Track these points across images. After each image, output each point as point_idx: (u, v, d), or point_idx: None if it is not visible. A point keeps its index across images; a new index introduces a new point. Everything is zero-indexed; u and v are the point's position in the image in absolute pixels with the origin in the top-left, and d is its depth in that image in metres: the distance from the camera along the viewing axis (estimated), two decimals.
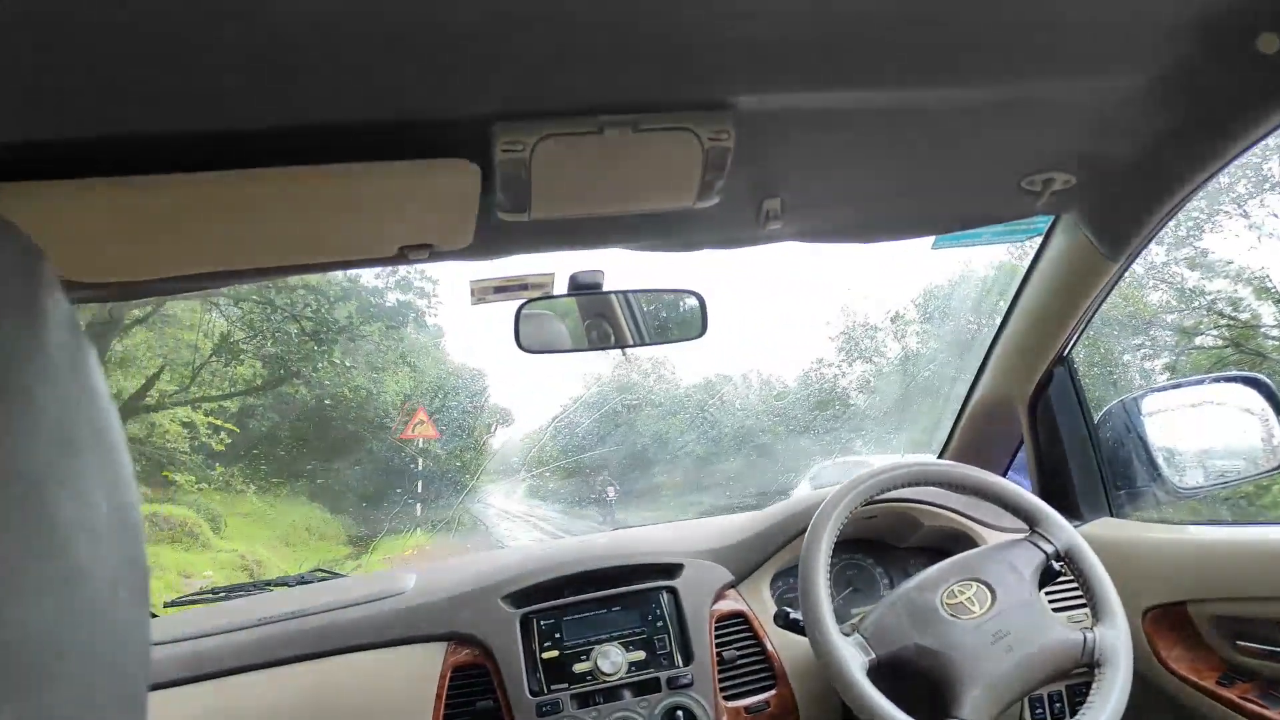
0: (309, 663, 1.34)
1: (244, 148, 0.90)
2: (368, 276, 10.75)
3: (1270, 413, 1.53)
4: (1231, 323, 7.91)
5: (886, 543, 1.61)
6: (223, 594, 1.65)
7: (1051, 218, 1.42)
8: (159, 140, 0.86)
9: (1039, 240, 1.49)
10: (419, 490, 9.93)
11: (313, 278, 9.77)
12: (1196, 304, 8.07)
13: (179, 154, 0.88)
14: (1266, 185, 7.53)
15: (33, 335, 0.29)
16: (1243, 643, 1.25)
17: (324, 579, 1.70)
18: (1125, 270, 1.37)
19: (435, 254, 1.17)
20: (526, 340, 1.33)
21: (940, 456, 1.85)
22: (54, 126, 0.81)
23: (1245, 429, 1.58)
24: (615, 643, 1.33)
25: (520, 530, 10.50)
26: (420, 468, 10.10)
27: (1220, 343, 7.98)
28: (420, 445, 10.17)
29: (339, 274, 10.26)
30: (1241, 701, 1.21)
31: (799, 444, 10.07)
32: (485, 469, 11.41)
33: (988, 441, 1.78)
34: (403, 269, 10.63)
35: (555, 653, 1.32)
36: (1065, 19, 0.92)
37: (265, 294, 9.72)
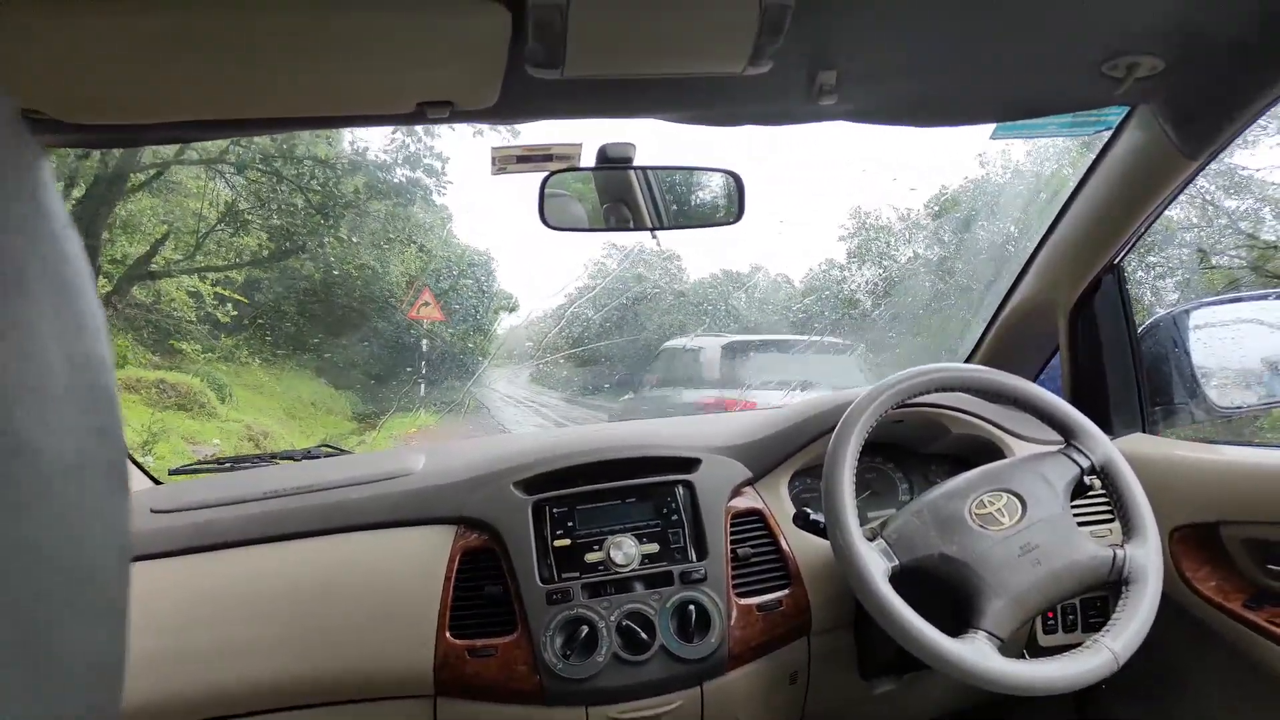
0: (316, 539, 1.31)
1: None
2: (375, 149, 10.47)
3: None
4: (1251, 243, 7.73)
5: (909, 448, 1.57)
6: (228, 464, 1.63)
7: (1126, 109, 1.31)
8: None
9: (1106, 136, 1.38)
10: (425, 371, 9.98)
11: (320, 148, 9.53)
12: (1217, 222, 7.86)
13: None
14: None
15: None
16: (1273, 566, 1.22)
17: (331, 454, 1.67)
18: (1202, 170, 1.27)
19: (456, 113, 1.07)
20: (551, 216, 1.24)
21: (968, 361, 1.79)
22: None
23: None
24: (629, 534, 1.30)
25: (524, 416, 10.57)
26: (426, 349, 10.11)
27: (1238, 263, 7.82)
28: (426, 326, 10.15)
29: (347, 146, 10.03)
30: (1269, 625, 1.19)
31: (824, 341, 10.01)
32: (491, 353, 11.44)
33: (1019, 349, 1.71)
34: (412, 144, 10.35)
35: (567, 541, 1.29)
36: None
37: (271, 164, 9.50)
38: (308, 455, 1.65)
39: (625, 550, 1.28)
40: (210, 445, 7.46)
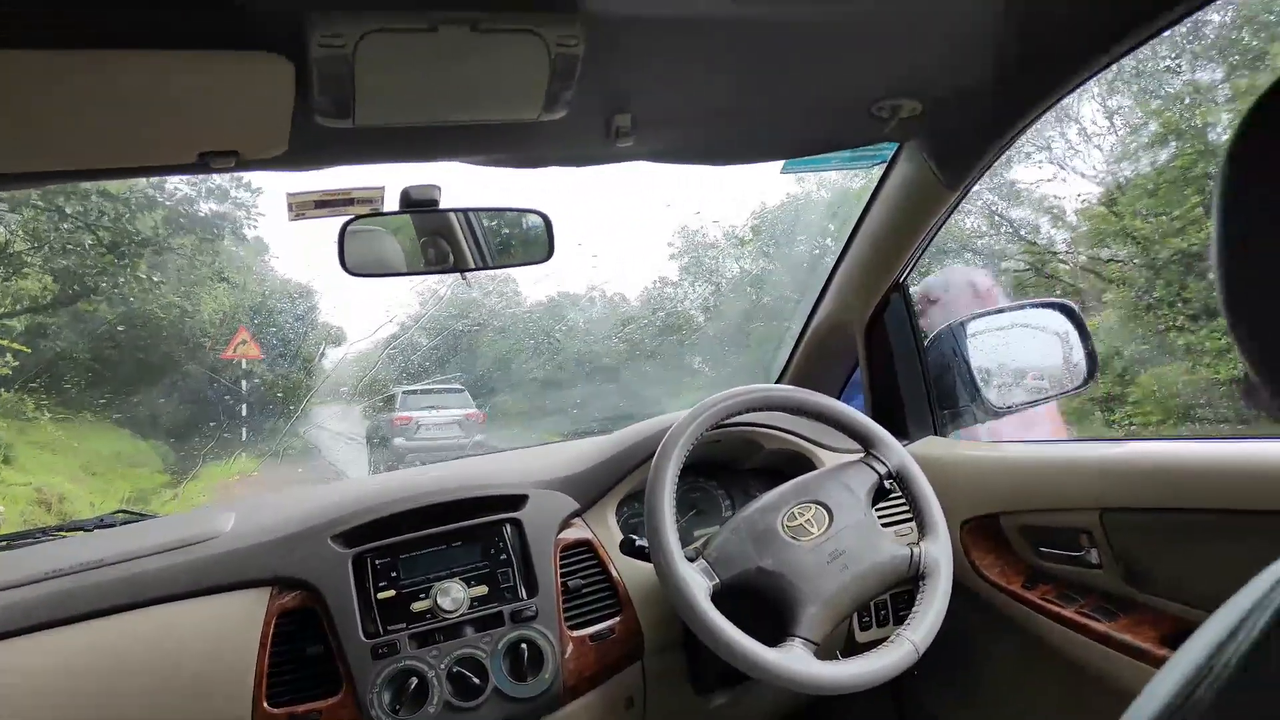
0: (113, 617, 1.20)
1: (17, 23, 0.73)
2: (175, 183, 9.74)
3: (1075, 336, 1.65)
4: (1032, 248, 8.66)
5: (728, 465, 1.64)
6: (3, 544, 1.45)
7: (896, 145, 1.44)
8: None
9: (883, 168, 1.51)
10: (244, 414, 9.34)
11: (111, 184, 8.76)
12: (1003, 230, 8.75)
13: None
14: (1066, 118, 8.16)
15: None
16: (1044, 549, 1.37)
17: (128, 521, 1.53)
18: (961, 200, 1.41)
19: (242, 162, 1.02)
20: (353, 262, 1.20)
21: (778, 381, 1.89)
22: None
23: (1054, 351, 1.70)
24: (456, 579, 1.28)
25: (358, 454, 10.12)
26: (244, 390, 9.48)
27: (1022, 266, 8.73)
28: (244, 366, 9.53)
29: (142, 180, 9.27)
30: (1042, 602, 1.33)
31: (644, 369, 10.23)
32: (316, 391, 10.88)
33: (824, 365, 1.83)
34: (216, 178, 9.71)
35: (391, 592, 1.25)
36: None
37: (52, 200, 8.63)
38: (100, 524, 1.50)
39: (453, 595, 1.25)
40: None
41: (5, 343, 8.43)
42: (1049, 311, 1.72)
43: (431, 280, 10.84)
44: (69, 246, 8.85)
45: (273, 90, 0.90)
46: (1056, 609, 1.30)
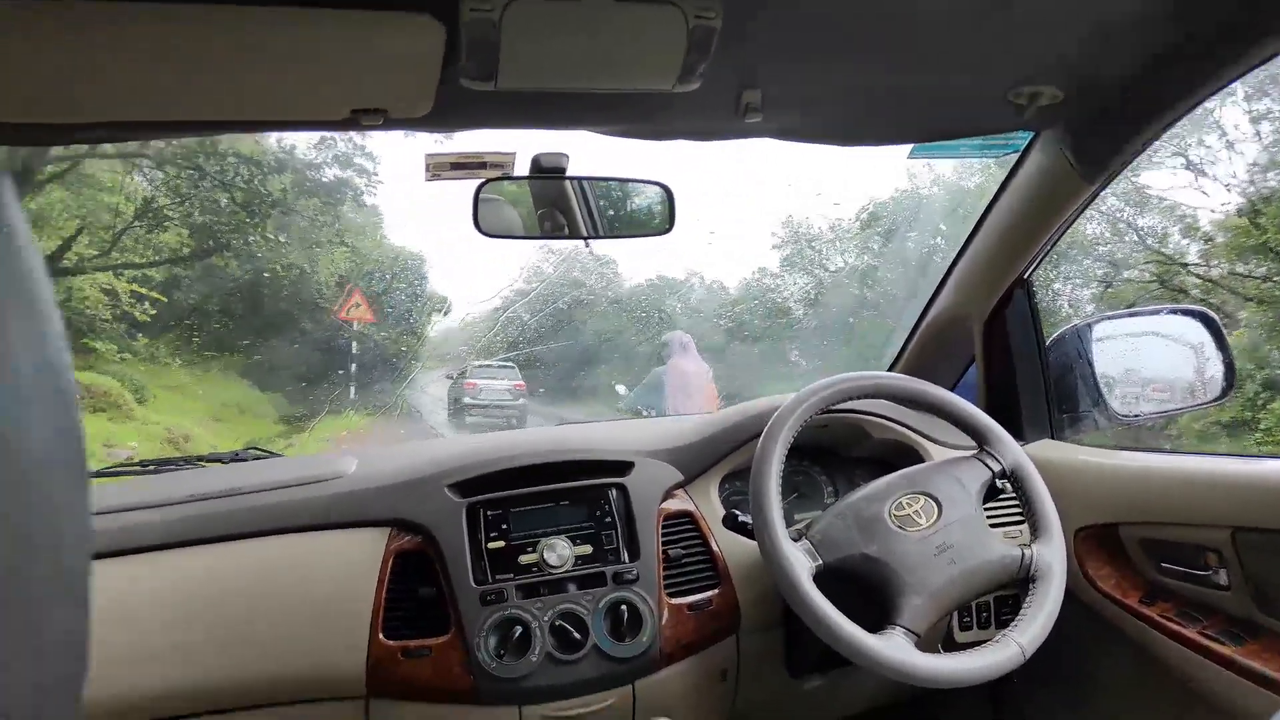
0: (244, 541, 1.29)
1: None
2: (304, 148, 10.24)
3: (1211, 347, 1.56)
4: (1158, 258, 8.17)
5: (834, 452, 1.63)
6: (152, 467, 1.58)
7: (1031, 134, 1.38)
8: None
9: (1014, 158, 1.46)
10: (355, 373, 9.79)
11: (245, 145, 9.26)
12: (1128, 238, 8.28)
13: None
14: (1206, 124, 7.65)
15: None
16: (1165, 564, 1.31)
17: (259, 457, 1.64)
18: (1099, 194, 1.35)
19: (390, 121, 1.07)
20: (485, 223, 1.25)
21: (891, 369, 1.86)
22: None
23: (1187, 361, 1.62)
24: (563, 536, 1.32)
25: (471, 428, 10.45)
26: (357, 351, 9.92)
27: (1147, 276, 8.25)
28: (356, 328, 9.96)
29: (274, 144, 9.78)
30: (1161, 619, 1.27)
31: (751, 350, 10.19)
32: (423, 356, 11.30)
33: (938, 359, 1.78)
34: (342, 144, 10.15)
35: (501, 543, 1.30)
36: None
37: (193, 159, 9.19)
38: (235, 458, 1.62)
39: (559, 552, 1.29)
40: (127, 448, 7.18)
41: (145, 291, 9.07)
42: (1185, 319, 1.64)
43: (537, 259, 11.13)
44: (206, 203, 9.42)
45: (423, 51, 0.93)
46: (1176, 628, 1.24)
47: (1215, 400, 1.56)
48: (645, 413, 5.95)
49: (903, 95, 1.24)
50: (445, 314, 11.94)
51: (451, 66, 0.97)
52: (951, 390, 1.71)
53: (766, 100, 1.17)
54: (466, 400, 9.32)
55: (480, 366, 9.61)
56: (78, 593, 0.28)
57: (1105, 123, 1.26)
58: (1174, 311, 1.64)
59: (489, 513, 1.32)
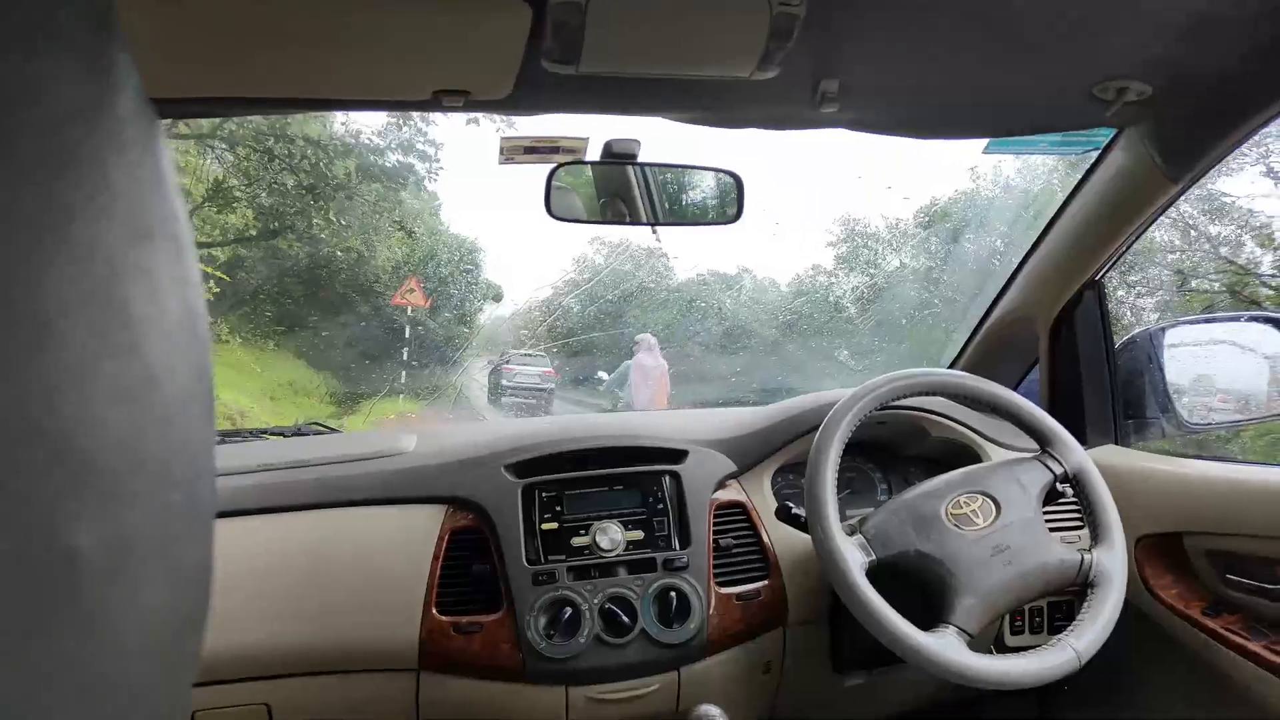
0: (308, 512, 1.33)
1: None
2: (369, 134, 10.42)
3: None
4: (1230, 268, 7.88)
5: (889, 449, 1.62)
6: (220, 438, 1.64)
7: (1114, 131, 1.35)
8: None
9: (1093, 156, 1.43)
10: (407, 357, 9.96)
11: (313, 128, 9.46)
12: (1199, 247, 8.00)
13: None
14: None
15: (101, 98, 0.24)
16: (1232, 576, 1.27)
17: (320, 433, 1.69)
18: (1183, 194, 1.32)
19: (470, 103, 1.10)
20: (557, 206, 1.27)
21: (951, 368, 1.83)
22: None
23: (1263, 370, 1.57)
24: (615, 520, 1.33)
25: (500, 407, 10.67)
26: (410, 335, 10.10)
27: (1216, 287, 7.96)
28: (410, 313, 10.14)
29: (340, 128, 9.97)
30: (1225, 632, 1.24)
31: (809, 344, 10.13)
32: (474, 344, 11.46)
33: (1001, 359, 1.76)
34: (406, 130, 10.32)
35: (554, 525, 1.32)
36: None
37: (263, 141, 9.43)
38: (297, 432, 1.67)
39: (611, 536, 1.31)
40: None
41: (210, 270, 9.33)
42: (1264, 327, 1.59)
43: (590, 251, 11.22)
44: (273, 185, 9.66)
45: (508, 33, 0.95)
46: (1242, 642, 1.21)
47: None
48: (618, 395, 7.45)
49: (983, 89, 1.22)
50: (498, 301, 12.16)
51: (534, 49, 0.99)
52: (1015, 390, 1.69)
53: (843, 90, 1.17)
54: (504, 383, 10.40)
55: (517, 354, 10.72)
56: (206, 526, 0.29)
57: (1194, 120, 1.23)
58: (1253, 319, 1.59)
59: (544, 494, 1.34)
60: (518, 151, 1.28)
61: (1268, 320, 1.55)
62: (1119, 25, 1.04)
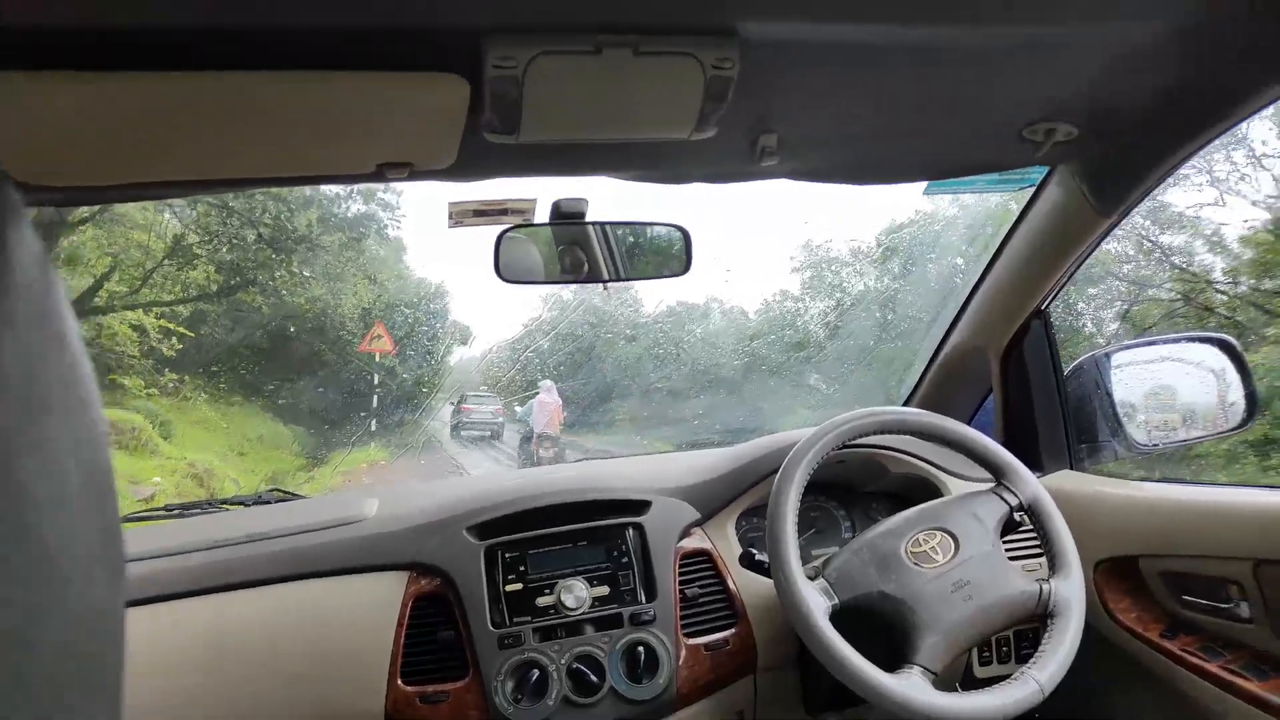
0: (266, 587, 1.31)
1: (217, 49, 0.83)
2: (331, 185, 10.41)
3: (1233, 375, 1.56)
4: (1184, 276, 8.09)
5: (851, 487, 1.63)
6: (176, 511, 1.61)
7: (1047, 169, 1.40)
8: (126, 35, 0.79)
9: (1030, 191, 1.48)
10: (375, 405, 9.90)
11: None
12: (1153, 255, 8.22)
13: (148, 52, 0.81)
14: (1233, 141, 7.60)
15: None
16: (1188, 598, 1.30)
17: (282, 499, 1.67)
18: (1115, 227, 1.36)
19: (415, 173, 1.11)
20: (506, 269, 1.28)
21: (907, 403, 1.86)
22: (13, 11, 0.74)
23: (1209, 389, 1.61)
24: (580, 577, 1.33)
25: (475, 453, 10.70)
26: (377, 383, 10.04)
27: (1172, 295, 8.17)
28: (377, 360, 10.09)
29: None
30: (1183, 654, 1.26)
31: (768, 384, 10.24)
32: (443, 387, 11.45)
33: (956, 390, 1.79)
34: None
35: (519, 585, 1.32)
36: None
37: (222, 196, 9.39)
38: (258, 500, 1.64)
39: (576, 593, 1.31)
40: (151, 485, 7.25)
41: (173, 327, 9.22)
42: (1205, 346, 1.63)
43: (558, 288, 11.32)
44: (234, 240, 9.61)
45: (448, 107, 0.97)
46: (1199, 662, 1.23)
47: (1237, 428, 1.55)
48: (527, 422, 9.65)
49: (916, 134, 1.26)
50: (466, 343, 12.30)
51: (474, 120, 1.01)
52: (969, 421, 1.72)
53: (781, 143, 1.20)
54: (462, 419, 11.90)
55: (472, 395, 12.17)
56: (113, 697, 0.28)
57: (1120, 158, 1.28)
58: (1194, 340, 1.63)
59: (507, 555, 1.34)
60: (466, 215, 1.30)
61: (1209, 340, 1.59)
62: (1044, 70, 1.08)
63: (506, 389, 12.09)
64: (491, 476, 1.65)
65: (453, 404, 12.04)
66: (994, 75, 1.08)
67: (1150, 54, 1.04)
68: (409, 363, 11.06)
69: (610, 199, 1.40)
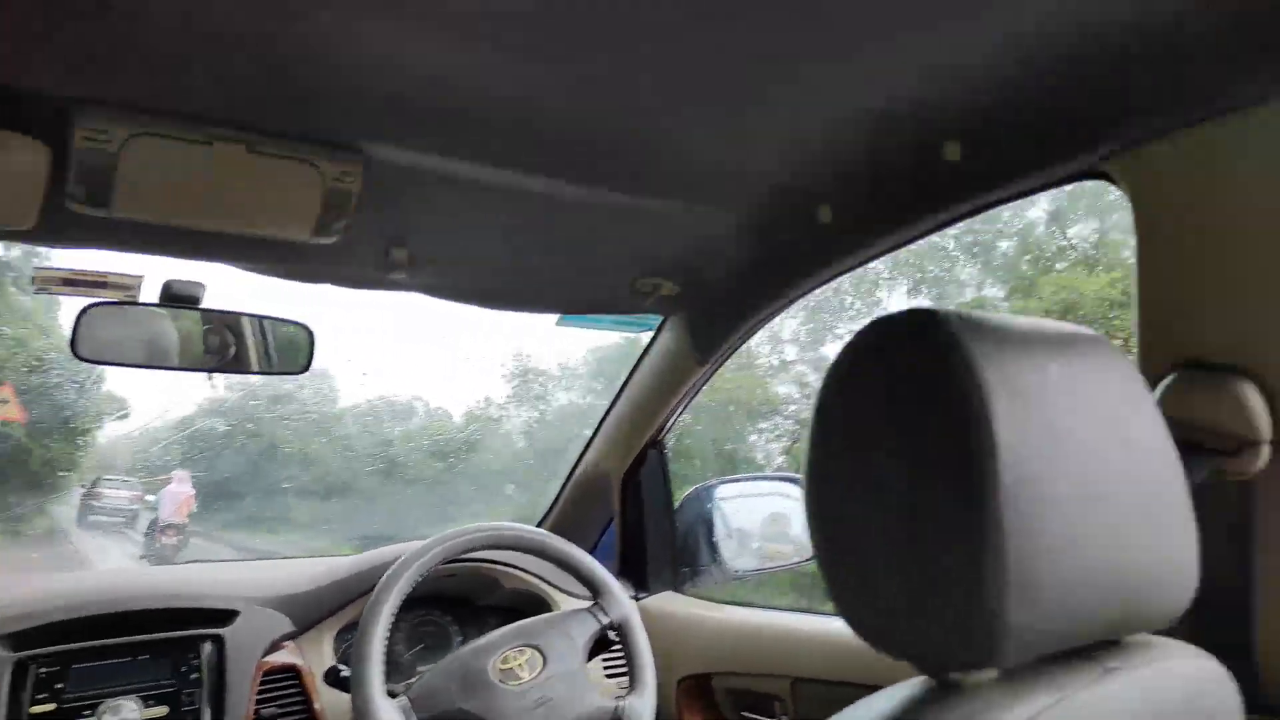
0: None
1: None
2: None
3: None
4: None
5: (466, 600, 1.63)
6: None
7: (661, 316, 1.58)
8: None
9: (651, 334, 1.65)
10: None
11: None
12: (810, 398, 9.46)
13: None
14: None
15: None
16: (746, 713, 1.44)
17: None
18: (714, 372, 1.56)
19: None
20: (87, 346, 1.15)
21: (541, 523, 1.93)
22: None
23: (789, 524, 1.85)
24: (133, 696, 1.19)
25: (107, 543, 9.37)
26: None
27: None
28: (3, 429, 8.53)
29: None
30: None
31: (408, 492, 10.22)
32: (84, 467, 9.91)
33: (587, 511, 1.89)
34: None
35: (51, 706, 1.14)
36: (680, 152, 1.04)
37: None
38: None
39: (123, 715, 1.16)
40: None
41: None
42: (790, 485, 1.89)
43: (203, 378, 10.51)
44: None
45: (23, 169, 0.90)
46: None
47: (807, 559, 1.79)
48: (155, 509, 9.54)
49: (543, 271, 1.37)
50: (122, 418, 10.77)
51: (57, 186, 0.93)
52: (597, 542, 1.82)
53: (413, 259, 1.23)
54: (93, 504, 10.70)
55: (109, 480, 11.02)
56: None
57: (713, 314, 1.47)
58: (778, 478, 1.88)
59: (42, 670, 1.17)
60: (54, 283, 1.16)
61: (789, 479, 1.85)
62: (647, 236, 1.24)
63: (161, 472, 10.60)
64: (51, 577, 1.43)
65: (83, 488, 10.74)
66: (607, 230, 1.22)
67: (726, 235, 1.24)
68: (43, 435, 9.42)
69: (250, 288, 1.34)
